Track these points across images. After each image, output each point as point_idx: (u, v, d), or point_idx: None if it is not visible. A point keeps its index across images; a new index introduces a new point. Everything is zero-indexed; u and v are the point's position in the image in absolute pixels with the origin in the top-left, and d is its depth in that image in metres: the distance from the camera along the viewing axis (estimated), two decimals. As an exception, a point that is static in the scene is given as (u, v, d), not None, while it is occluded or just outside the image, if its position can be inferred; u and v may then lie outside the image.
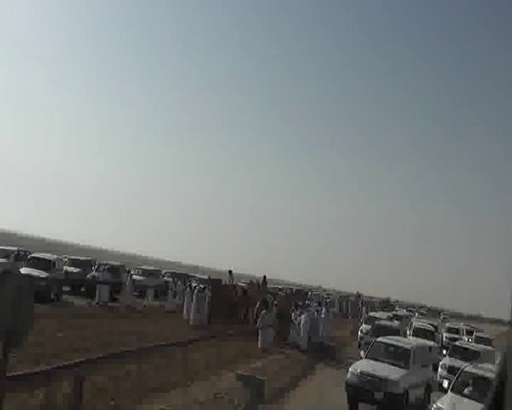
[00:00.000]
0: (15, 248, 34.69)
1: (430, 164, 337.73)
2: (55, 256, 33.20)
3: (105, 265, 36.19)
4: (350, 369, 15.71)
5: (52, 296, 28.20)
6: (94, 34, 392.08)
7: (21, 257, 32.98)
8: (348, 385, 15.31)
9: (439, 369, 21.24)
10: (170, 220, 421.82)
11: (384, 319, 32.58)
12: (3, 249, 33.82)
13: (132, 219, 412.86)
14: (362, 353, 19.92)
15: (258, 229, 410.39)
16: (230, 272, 34.26)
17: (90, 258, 40.64)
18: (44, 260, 30.68)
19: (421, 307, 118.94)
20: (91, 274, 34.28)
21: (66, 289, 31.69)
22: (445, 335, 38.12)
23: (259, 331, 22.84)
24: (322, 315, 29.26)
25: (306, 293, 58.98)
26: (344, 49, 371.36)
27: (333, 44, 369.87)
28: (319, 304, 37.92)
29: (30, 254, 33.63)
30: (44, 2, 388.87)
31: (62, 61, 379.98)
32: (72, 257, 39.31)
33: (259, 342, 22.29)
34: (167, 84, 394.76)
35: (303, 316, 25.03)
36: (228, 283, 33.50)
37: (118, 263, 39.88)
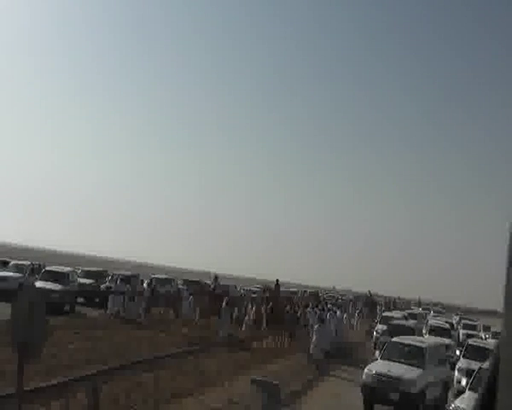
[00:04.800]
0: (29, 263, 35.11)
1: (428, 162, 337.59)
2: (68, 269, 33.52)
3: (118, 275, 36.37)
4: (365, 370, 15.63)
5: (66, 308, 28.42)
6: (88, 36, 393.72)
7: (36, 271, 33.35)
8: (363, 386, 15.23)
9: (456, 373, 20.25)
10: (176, 227, 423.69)
11: (399, 319, 32.43)
12: (18, 264, 34.25)
13: (136, 226, 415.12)
14: (377, 353, 19.78)
15: (264, 232, 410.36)
16: (277, 281, 34.82)
17: (102, 269, 40.91)
18: (58, 272, 30.96)
19: (436, 304, 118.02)
20: (105, 285, 34.44)
21: (79, 300, 31.85)
22: (461, 332, 37.84)
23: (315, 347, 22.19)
24: (336, 317, 29.19)
25: (318, 294, 58.70)
26: (340, 48, 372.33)
27: (328, 44, 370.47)
28: (332, 306, 37.85)
29: (44, 267, 33.96)
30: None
31: (57, 67, 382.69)
32: (86, 268, 39.59)
33: (312, 353, 21.85)
34: (161, 87, 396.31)
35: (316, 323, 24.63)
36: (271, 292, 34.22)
37: (130, 273, 40.06)
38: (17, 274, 31.83)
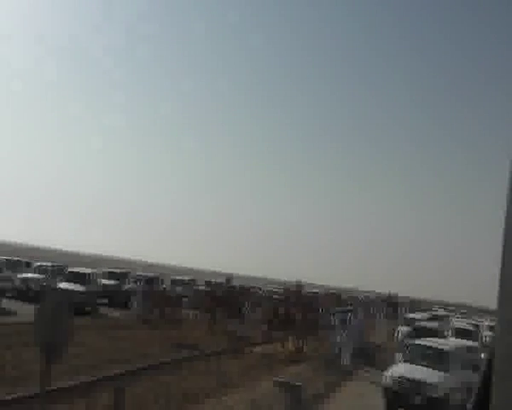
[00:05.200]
0: (51, 264, 35.55)
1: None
2: (90, 270, 33.82)
3: (141, 276, 36.62)
4: (387, 373, 15.39)
5: (89, 309, 28.67)
6: (93, 38, 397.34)
7: (57, 272, 33.72)
8: (385, 390, 15.00)
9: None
10: (184, 228, 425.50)
11: (423, 320, 32.08)
12: (40, 265, 34.70)
13: (148, 227, 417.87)
14: (399, 356, 19.51)
15: (283, 232, 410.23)
16: (299, 282, 34.79)
17: (125, 270, 41.20)
18: (81, 274, 31.27)
19: (460, 306, 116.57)
20: (127, 286, 34.68)
21: (102, 301, 32.10)
22: (486, 333, 37.28)
23: (341, 349, 22.02)
24: (358, 319, 28.99)
25: (339, 295, 58.30)
26: (344, 49, 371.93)
27: (333, 44, 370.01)
28: (354, 307, 37.59)
29: (65, 269, 34.34)
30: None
31: (61, 67, 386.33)
32: (108, 270, 40.01)
33: (342, 359, 21.60)
34: (167, 89, 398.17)
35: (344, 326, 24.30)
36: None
37: (153, 274, 40.31)
38: (39, 275, 32.29)
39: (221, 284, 38.22)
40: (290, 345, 23.46)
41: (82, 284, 29.37)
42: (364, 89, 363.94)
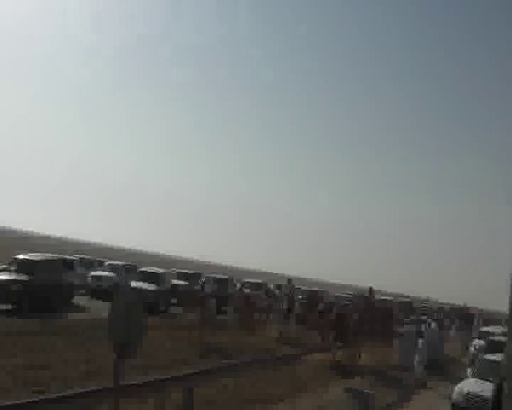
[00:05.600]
0: (122, 263, 36.62)
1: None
2: (162, 270, 34.54)
3: (212, 278, 37.06)
4: (456, 388, 14.87)
5: (161, 308, 29.22)
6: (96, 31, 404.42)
7: (129, 271, 34.67)
8: (454, 406, 14.53)
9: None
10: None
11: (498, 334, 30.72)
12: (112, 264, 35.81)
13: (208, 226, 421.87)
14: (469, 371, 18.68)
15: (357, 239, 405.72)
16: (371, 288, 34.09)
17: (197, 272, 41.90)
18: (153, 273, 31.91)
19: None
20: (198, 287, 35.11)
21: (172, 301, 32.60)
22: None
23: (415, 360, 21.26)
24: (432, 330, 28.04)
25: (411, 304, 56.71)
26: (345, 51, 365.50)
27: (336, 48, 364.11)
28: (426, 317, 36.52)
29: (137, 268, 35.31)
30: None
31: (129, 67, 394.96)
32: (180, 270, 40.86)
33: (414, 370, 20.92)
34: (171, 86, 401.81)
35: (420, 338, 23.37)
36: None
37: (225, 276, 40.74)
38: (112, 274, 33.29)
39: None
40: (358, 355, 22.93)
41: (153, 283, 29.98)
42: (369, 93, 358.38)
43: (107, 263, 36.52)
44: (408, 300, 61.47)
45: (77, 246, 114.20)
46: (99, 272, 33.71)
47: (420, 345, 22.07)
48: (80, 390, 9.43)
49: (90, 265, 36.67)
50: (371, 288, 34.62)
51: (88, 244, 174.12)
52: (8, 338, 15.47)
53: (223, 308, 31.21)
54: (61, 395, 9.01)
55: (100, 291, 31.30)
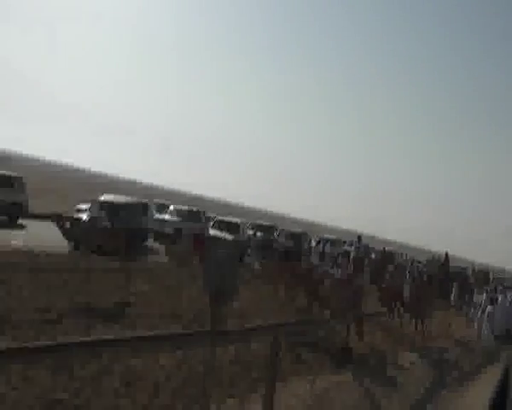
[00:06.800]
0: (187, 207, 34.63)
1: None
2: (239, 220, 34.94)
3: (287, 231, 37.24)
4: None
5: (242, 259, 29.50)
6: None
7: (194, 216, 33.20)
8: None
9: None
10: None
11: None
12: (177, 208, 34.04)
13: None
14: None
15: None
16: (447, 254, 33.21)
17: (272, 224, 41.87)
18: (231, 223, 32.47)
19: None
20: (273, 239, 35.49)
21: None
22: None
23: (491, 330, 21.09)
24: (508, 300, 27.41)
25: (488, 273, 54.76)
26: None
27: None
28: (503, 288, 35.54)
29: (204, 213, 34.56)
30: None
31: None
32: (256, 222, 41.03)
33: (487, 340, 20.65)
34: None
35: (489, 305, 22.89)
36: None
37: (300, 230, 40.82)
38: (175, 218, 32.05)
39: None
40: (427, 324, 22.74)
41: (231, 233, 30.59)
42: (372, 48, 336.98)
43: (171, 207, 34.50)
44: (483, 269, 59.60)
45: (178, 196, 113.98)
46: (162, 216, 32.55)
47: (489, 314, 21.65)
48: (176, 332, 10.09)
49: (163, 209, 35.24)
50: (447, 253, 33.19)
51: (177, 193, 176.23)
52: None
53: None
54: (158, 333, 9.66)
55: (162, 235, 30.46)
